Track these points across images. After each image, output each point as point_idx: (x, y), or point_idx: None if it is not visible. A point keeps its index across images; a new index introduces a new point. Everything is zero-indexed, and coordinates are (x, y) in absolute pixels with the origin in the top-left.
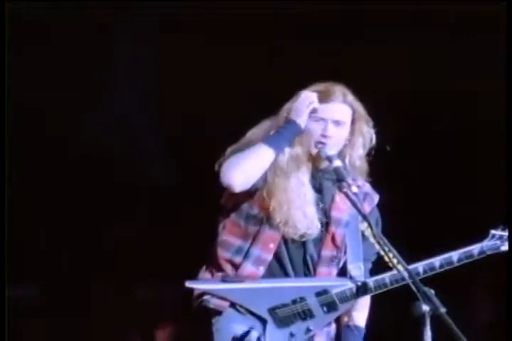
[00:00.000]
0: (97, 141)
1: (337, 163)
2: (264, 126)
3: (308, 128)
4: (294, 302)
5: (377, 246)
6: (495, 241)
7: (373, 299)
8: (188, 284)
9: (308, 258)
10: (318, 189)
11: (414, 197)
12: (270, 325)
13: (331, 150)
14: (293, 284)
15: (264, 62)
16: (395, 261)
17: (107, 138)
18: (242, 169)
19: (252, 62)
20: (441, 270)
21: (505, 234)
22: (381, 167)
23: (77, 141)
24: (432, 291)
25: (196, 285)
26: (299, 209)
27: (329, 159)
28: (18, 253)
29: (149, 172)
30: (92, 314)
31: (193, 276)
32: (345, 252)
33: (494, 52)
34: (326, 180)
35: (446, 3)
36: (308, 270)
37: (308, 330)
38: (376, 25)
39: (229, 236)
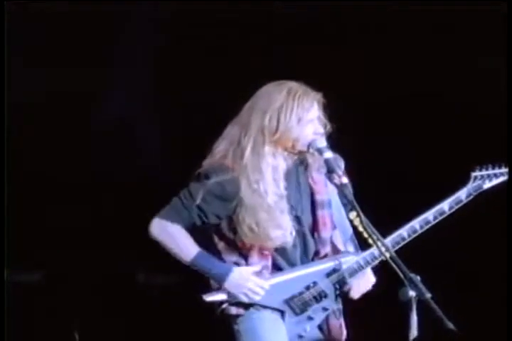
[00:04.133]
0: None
1: (327, 154)
2: (233, 134)
3: (301, 135)
4: (308, 288)
5: (365, 234)
6: (478, 181)
7: None
8: (206, 298)
9: (307, 245)
10: (297, 182)
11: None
12: (288, 315)
13: (322, 143)
14: (302, 272)
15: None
16: (383, 249)
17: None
18: (162, 243)
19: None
20: (436, 221)
21: (485, 172)
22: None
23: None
24: (418, 277)
25: (213, 298)
26: (278, 228)
27: (319, 151)
28: (19, 240)
29: (149, 170)
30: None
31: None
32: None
33: (494, 53)
34: (298, 165)
35: (446, 2)
36: (310, 255)
37: (324, 309)
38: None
39: (224, 253)
